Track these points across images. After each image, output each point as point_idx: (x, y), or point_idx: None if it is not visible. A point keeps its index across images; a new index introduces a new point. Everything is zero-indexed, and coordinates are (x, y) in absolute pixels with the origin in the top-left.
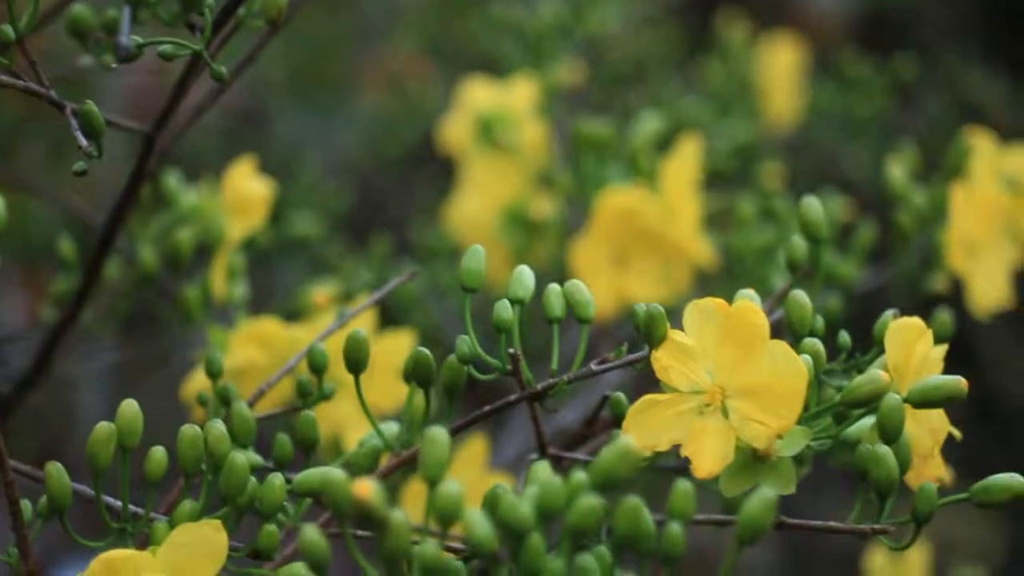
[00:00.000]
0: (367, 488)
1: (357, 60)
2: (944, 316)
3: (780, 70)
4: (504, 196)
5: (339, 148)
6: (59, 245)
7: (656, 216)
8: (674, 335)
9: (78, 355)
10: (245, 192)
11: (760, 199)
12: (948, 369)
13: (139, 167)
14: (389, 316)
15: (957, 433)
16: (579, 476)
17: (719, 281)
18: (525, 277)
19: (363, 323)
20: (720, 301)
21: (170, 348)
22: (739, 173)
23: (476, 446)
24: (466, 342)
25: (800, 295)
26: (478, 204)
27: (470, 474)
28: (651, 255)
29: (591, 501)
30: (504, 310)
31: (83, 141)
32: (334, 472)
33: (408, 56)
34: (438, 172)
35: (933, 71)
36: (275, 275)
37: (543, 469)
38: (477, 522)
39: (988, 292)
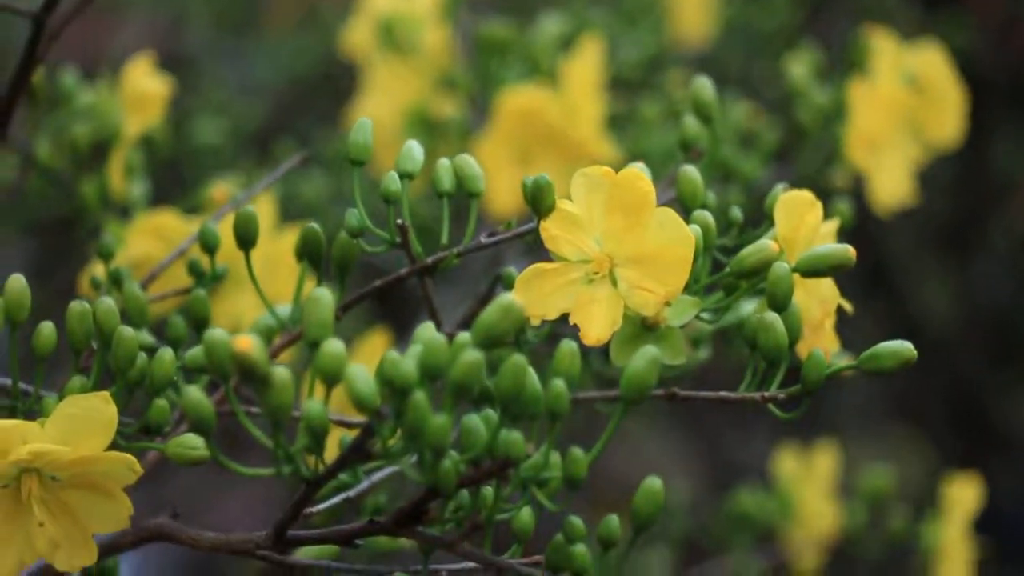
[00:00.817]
0: (247, 342)
1: None
2: (843, 206)
3: None
4: (407, 98)
5: (252, 75)
6: None
7: (558, 115)
8: (562, 204)
9: None
10: (142, 89)
11: (665, 102)
12: (864, 296)
13: (29, 52)
14: (292, 221)
15: (848, 305)
16: (462, 335)
17: None
18: (414, 151)
19: (262, 218)
20: (607, 169)
21: (72, 251)
22: (644, 82)
23: (377, 340)
24: (355, 215)
25: (691, 170)
26: (381, 107)
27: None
28: (553, 154)
29: (474, 355)
30: (392, 182)
31: None
32: (215, 332)
33: None
34: (344, 86)
35: None
36: (180, 186)
37: (427, 329)
38: (359, 377)
39: (890, 189)
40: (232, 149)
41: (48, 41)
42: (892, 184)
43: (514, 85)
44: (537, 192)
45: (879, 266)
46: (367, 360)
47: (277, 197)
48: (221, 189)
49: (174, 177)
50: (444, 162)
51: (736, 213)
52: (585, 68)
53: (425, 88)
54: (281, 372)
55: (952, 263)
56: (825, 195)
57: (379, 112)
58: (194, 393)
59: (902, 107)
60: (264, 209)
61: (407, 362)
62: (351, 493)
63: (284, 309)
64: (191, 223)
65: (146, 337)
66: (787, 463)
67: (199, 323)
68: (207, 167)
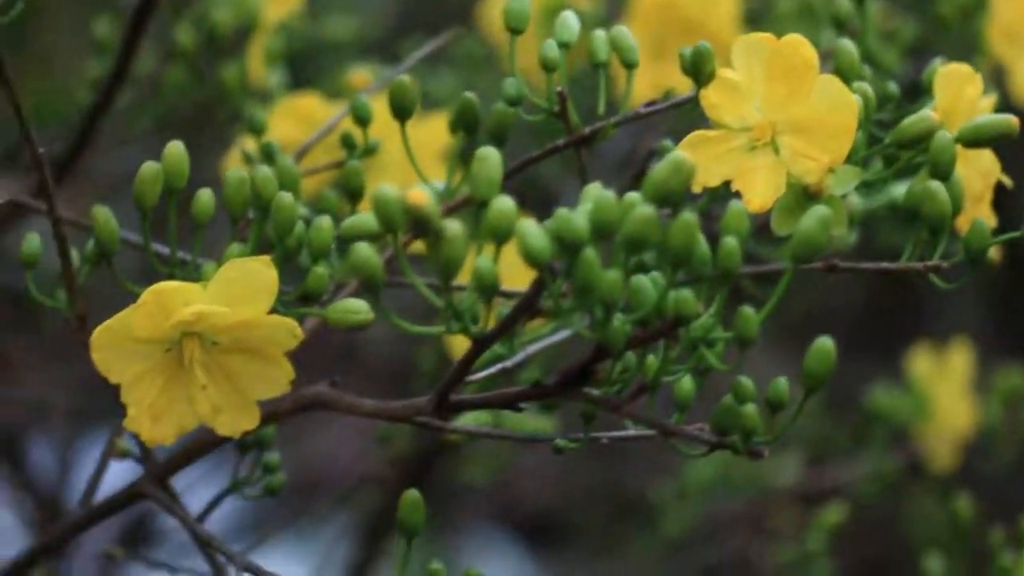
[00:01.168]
0: (421, 195)
1: None
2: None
3: None
4: None
5: None
6: (95, 28)
7: (695, 6)
8: (723, 72)
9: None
10: None
11: None
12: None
13: None
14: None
15: (1008, 180)
16: (632, 193)
17: None
18: (571, 21)
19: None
20: (768, 35)
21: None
22: None
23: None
24: (513, 84)
25: (848, 43)
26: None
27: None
28: (690, 45)
29: (646, 210)
30: (551, 49)
31: None
32: (385, 187)
33: None
34: None
35: None
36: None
37: (596, 188)
38: (532, 232)
39: None
40: (357, 51)
41: None
42: None
43: None
44: (698, 59)
45: None
46: None
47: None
48: (360, 74)
49: (310, 67)
50: (600, 32)
51: (893, 87)
52: None
53: None
54: (454, 225)
55: None
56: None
57: (514, 4)
58: (363, 249)
59: None
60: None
61: (578, 218)
62: (508, 364)
63: (439, 183)
64: (333, 106)
65: (302, 209)
66: (921, 362)
67: (354, 194)
68: (340, 59)
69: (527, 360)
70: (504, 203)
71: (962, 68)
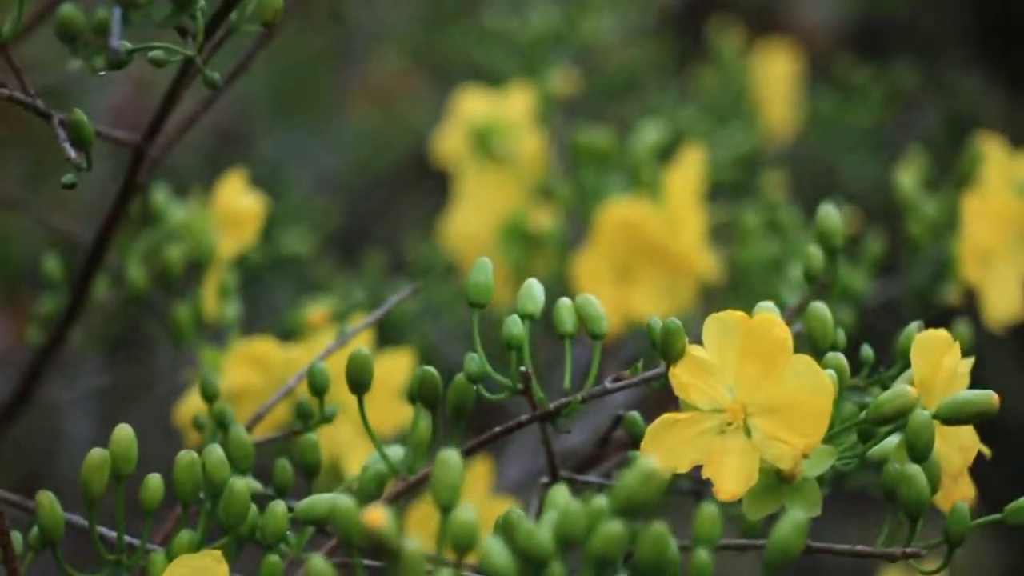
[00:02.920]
0: (380, 517)
1: (342, 77)
2: (963, 329)
3: (775, 80)
4: (502, 209)
5: (325, 167)
6: (45, 263)
7: (660, 229)
8: (693, 350)
9: (64, 379)
10: (236, 207)
11: (764, 211)
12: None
13: (129, 180)
14: (383, 335)
15: (987, 451)
16: (599, 501)
17: (725, 295)
18: (535, 291)
19: (361, 342)
20: (741, 314)
21: (158, 371)
22: (739, 185)
23: (479, 469)
24: (475, 360)
25: (821, 307)
26: (475, 218)
27: (474, 499)
28: (655, 269)
29: (614, 527)
30: (515, 325)
31: (71, 152)
32: (342, 499)
33: (394, 71)
34: (428, 188)
35: (929, 80)
36: (264, 295)
37: (561, 494)
38: (495, 551)
39: (1003, 303)
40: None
41: (148, 169)
42: (1006, 298)
43: (613, 196)
44: (668, 337)
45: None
46: (469, 491)
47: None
48: (318, 313)
49: (263, 291)
50: (566, 302)
51: (868, 352)
52: (686, 179)
53: (520, 198)
54: (413, 546)
55: None
56: (936, 311)
57: (473, 223)
58: (319, 564)
59: (1015, 217)
60: (360, 336)
61: (543, 532)
62: None
63: (393, 450)
64: (289, 351)
65: (255, 485)
66: None
67: (309, 470)
68: (294, 277)
69: None
70: (467, 514)
71: (940, 335)
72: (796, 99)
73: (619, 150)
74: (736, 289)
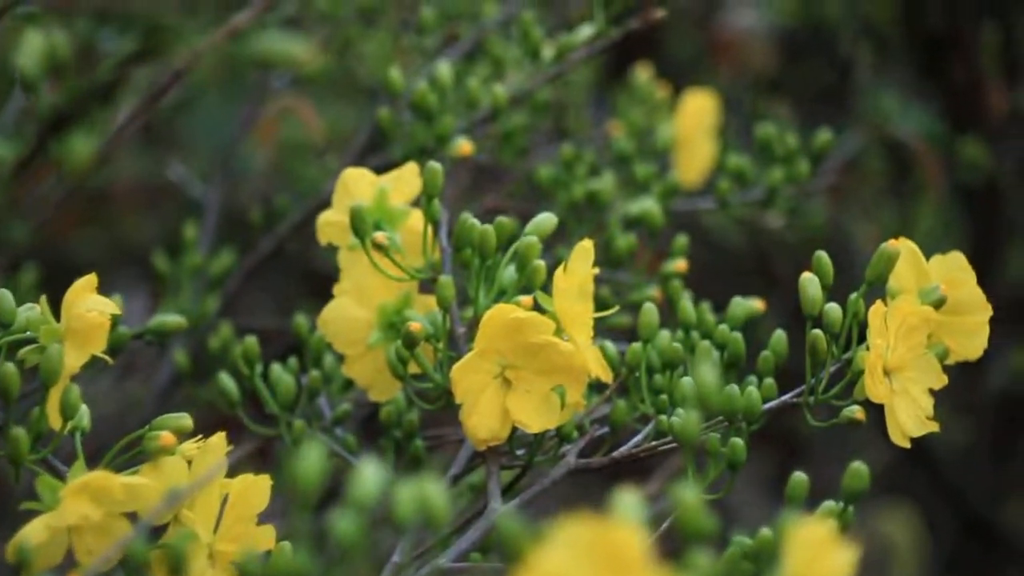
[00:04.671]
0: None
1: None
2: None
3: (694, 127)
4: (383, 299)
5: None
6: None
7: (544, 329)
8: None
9: None
10: (86, 318)
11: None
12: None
13: None
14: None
15: None
16: None
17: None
18: (370, 481)
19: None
20: (595, 527)
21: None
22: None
23: None
24: None
25: (691, 497)
26: (354, 308)
27: None
28: (539, 370)
29: None
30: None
31: None
32: None
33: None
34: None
35: (852, 99)
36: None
37: None
38: None
39: (912, 418)
40: None
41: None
42: (914, 413)
43: (502, 284)
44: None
45: None
46: None
47: None
48: (167, 436)
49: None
50: (405, 493)
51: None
52: (575, 277)
53: (404, 287)
54: None
55: None
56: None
57: (352, 309)
58: None
59: (925, 325)
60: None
61: None
62: None
63: None
64: (132, 480)
65: None
66: None
67: None
68: None
69: None
70: None
71: (819, 532)
72: (712, 148)
73: (510, 235)
74: (628, 393)
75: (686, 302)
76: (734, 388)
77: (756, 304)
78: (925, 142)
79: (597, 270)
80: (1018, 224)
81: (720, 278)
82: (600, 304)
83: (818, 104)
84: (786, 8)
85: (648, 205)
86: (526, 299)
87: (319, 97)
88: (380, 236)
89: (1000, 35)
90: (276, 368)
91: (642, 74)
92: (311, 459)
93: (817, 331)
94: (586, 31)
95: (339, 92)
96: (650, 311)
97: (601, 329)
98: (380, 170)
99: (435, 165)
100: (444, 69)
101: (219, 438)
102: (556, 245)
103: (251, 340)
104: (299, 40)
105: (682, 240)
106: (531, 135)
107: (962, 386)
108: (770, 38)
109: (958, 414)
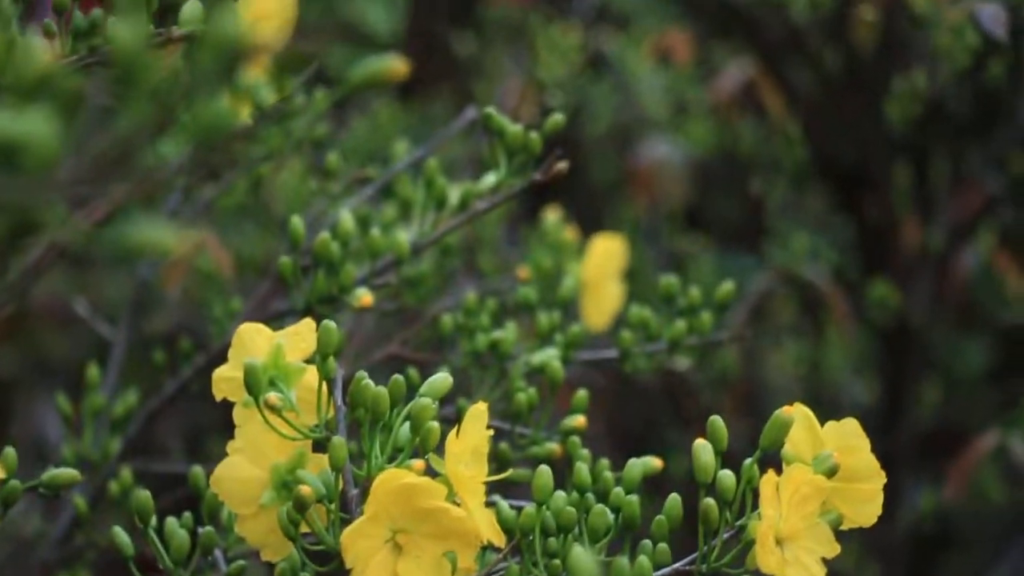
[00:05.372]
0: None
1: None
2: None
3: (600, 271)
4: (276, 458)
5: None
6: None
7: (436, 494)
8: None
9: None
10: None
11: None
12: None
13: None
14: None
15: None
16: None
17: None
18: None
19: None
20: None
21: None
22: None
23: None
24: None
25: None
26: (247, 467)
27: None
28: (431, 535)
29: None
30: None
31: None
32: None
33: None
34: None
35: (763, 237)
36: None
37: None
38: None
39: None
40: None
41: None
42: None
43: (394, 447)
44: None
45: None
46: None
47: None
48: None
49: None
50: None
51: None
52: (467, 442)
53: (298, 448)
54: None
55: None
56: None
57: (245, 472)
58: None
59: (817, 494)
60: None
61: None
62: None
63: None
64: None
65: None
66: None
67: None
68: None
69: None
70: None
71: None
72: (620, 294)
73: (402, 395)
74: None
75: (581, 464)
76: (623, 561)
77: (654, 462)
78: (834, 283)
79: (492, 432)
80: (930, 361)
81: (634, 414)
82: (500, 459)
83: (731, 240)
84: (700, 139)
85: (549, 357)
86: (418, 463)
87: (234, 221)
88: (273, 397)
89: (913, 171)
90: (171, 522)
91: (551, 216)
92: None
93: (709, 500)
94: (490, 179)
95: (252, 217)
96: (544, 473)
97: (502, 484)
98: (284, 315)
99: (329, 324)
100: (347, 218)
101: None
102: (459, 396)
103: (144, 495)
104: (168, 228)
105: (582, 395)
106: (442, 275)
107: (872, 527)
108: (685, 169)
109: (868, 555)
